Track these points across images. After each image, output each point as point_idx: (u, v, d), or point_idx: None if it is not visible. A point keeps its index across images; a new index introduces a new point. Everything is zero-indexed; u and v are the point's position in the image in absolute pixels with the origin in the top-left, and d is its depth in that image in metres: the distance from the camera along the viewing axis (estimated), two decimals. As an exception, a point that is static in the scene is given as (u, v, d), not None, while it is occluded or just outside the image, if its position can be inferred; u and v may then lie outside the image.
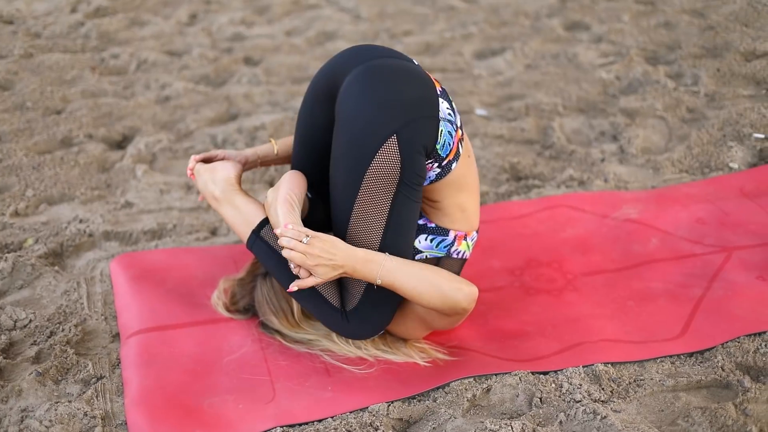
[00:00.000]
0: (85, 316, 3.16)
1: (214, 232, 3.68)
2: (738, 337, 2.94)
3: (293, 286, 2.65)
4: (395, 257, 2.69)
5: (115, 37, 5.75)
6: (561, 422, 2.61)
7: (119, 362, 2.95)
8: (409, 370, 2.86)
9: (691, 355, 2.91)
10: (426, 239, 2.83)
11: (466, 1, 6.39)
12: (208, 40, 5.74)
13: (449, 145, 2.71)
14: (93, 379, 2.88)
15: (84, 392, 2.80)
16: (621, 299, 3.17)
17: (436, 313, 2.79)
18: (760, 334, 2.95)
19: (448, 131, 2.69)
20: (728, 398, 2.71)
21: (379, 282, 2.66)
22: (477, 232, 2.97)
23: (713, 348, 2.92)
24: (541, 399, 2.70)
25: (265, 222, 2.82)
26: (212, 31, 5.90)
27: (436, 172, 2.73)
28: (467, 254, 2.95)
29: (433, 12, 6.21)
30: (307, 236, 2.58)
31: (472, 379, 2.80)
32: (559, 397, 2.71)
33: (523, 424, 2.57)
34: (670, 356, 2.90)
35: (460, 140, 2.78)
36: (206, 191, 2.95)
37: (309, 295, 2.78)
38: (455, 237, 2.88)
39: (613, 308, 3.14)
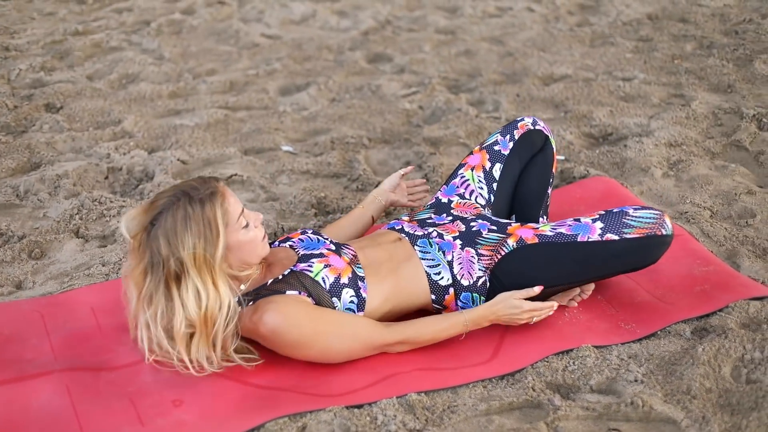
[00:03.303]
0: None
1: (19, 286, 3.57)
2: (546, 357, 3.01)
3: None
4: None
5: None
6: (377, 454, 2.63)
7: None
8: (223, 412, 2.82)
9: (502, 377, 2.96)
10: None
11: (270, 38, 6.40)
12: (6, 88, 5.58)
13: None
14: None
15: None
16: (432, 327, 3.20)
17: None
18: (567, 351, 3.03)
19: None
20: (540, 417, 2.76)
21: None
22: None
23: (523, 369, 2.98)
24: (356, 433, 2.71)
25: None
26: (11, 78, 5.75)
27: None
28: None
29: (236, 50, 6.20)
30: None
31: (287, 419, 2.77)
32: (375, 429, 2.72)
33: (340, 459, 2.58)
34: (483, 380, 2.95)
35: None
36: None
37: None
38: None
39: (425, 336, 3.17)
